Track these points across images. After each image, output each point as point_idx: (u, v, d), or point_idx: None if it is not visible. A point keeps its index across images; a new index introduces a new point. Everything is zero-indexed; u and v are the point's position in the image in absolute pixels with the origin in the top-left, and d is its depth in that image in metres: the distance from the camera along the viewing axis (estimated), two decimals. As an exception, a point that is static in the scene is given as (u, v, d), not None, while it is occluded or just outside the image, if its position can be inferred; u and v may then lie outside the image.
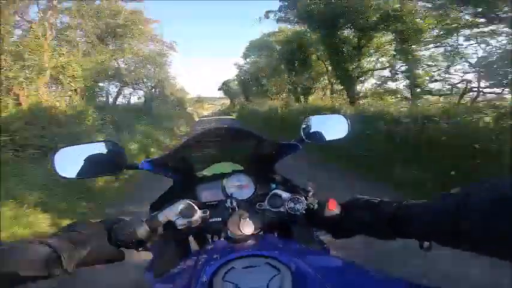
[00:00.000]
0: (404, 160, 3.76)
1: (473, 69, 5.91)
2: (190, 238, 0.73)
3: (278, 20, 10.55)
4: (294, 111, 9.10)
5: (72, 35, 8.57)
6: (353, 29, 7.68)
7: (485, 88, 5.71)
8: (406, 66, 7.12)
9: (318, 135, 0.77)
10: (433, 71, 6.71)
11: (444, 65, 6.48)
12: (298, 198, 0.61)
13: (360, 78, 8.48)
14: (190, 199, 0.61)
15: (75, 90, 7.20)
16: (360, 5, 6.83)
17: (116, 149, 0.66)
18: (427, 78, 6.85)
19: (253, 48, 17.20)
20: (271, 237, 0.64)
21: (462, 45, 5.94)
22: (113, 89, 11.19)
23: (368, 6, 6.81)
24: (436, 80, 6.77)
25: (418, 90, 6.93)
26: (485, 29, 5.29)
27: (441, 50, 6.50)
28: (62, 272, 0.46)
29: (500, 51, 5.15)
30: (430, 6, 6.03)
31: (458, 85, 6.38)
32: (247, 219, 0.56)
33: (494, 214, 0.33)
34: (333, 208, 0.59)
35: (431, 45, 6.67)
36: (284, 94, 14.76)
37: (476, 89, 5.82)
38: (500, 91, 5.39)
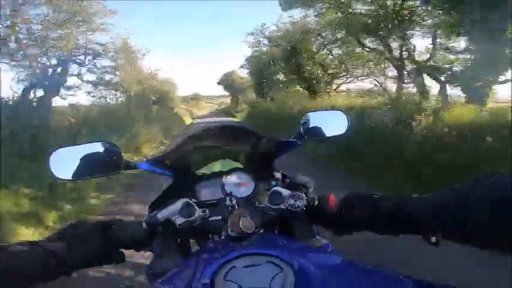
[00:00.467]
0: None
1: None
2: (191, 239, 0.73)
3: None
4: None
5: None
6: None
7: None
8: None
9: (318, 131, 0.77)
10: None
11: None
12: (298, 195, 0.60)
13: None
14: (189, 198, 0.61)
15: None
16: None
17: (113, 149, 0.66)
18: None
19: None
20: (272, 235, 0.64)
21: None
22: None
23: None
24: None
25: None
26: None
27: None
28: (60, 274, 0.46)
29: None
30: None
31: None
32: (247, 217, 0.55)
33: (497, 209, 0.33)
34: (333, 204, 0.59)
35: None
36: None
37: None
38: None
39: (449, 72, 7.80)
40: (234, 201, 0.62)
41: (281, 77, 12.18)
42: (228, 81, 25.94)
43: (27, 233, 2.70)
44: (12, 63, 7.87)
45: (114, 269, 1.89)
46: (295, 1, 9.67)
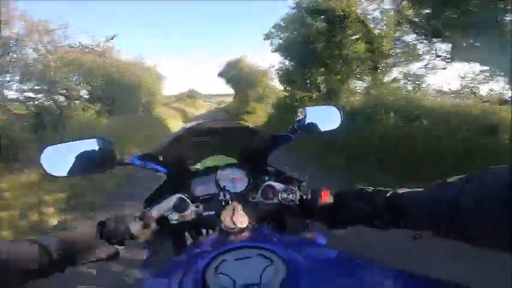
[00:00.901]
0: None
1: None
2: (186, 233, 0.73)
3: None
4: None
5: None
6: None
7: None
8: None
9: (312, 127, 0.78)
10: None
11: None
12: (291, 189, 0.61)
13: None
14: (183, 193, 0.61)
15: None
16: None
17: (105, 146, 0.65)
18: None
19: None
20: (264, 228, 0.64)
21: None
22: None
23: None
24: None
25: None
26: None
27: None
28: (54, 271, 0.46)
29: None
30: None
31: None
32: (241, 211, 0.56)
33: (492, 204, 0.33)
34: (326, 198, 0.59)
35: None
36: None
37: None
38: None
39: None
40: (227, 196, 0.62)
41: (349, 52, 6.36)
42: (232, 72, 17.47)
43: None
44: None
45: (109, 265, 1.89)
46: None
